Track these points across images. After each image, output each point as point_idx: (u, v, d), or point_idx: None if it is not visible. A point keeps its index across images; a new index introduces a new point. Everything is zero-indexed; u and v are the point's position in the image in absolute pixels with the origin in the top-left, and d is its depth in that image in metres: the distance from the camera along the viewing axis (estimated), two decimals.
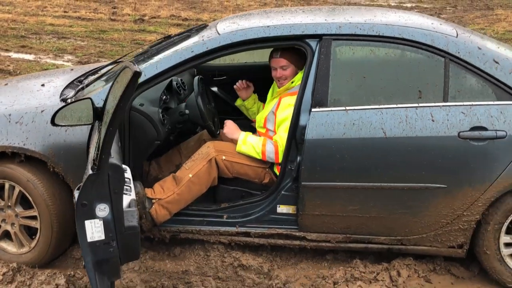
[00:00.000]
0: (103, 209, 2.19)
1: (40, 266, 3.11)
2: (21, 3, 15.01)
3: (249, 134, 3.26)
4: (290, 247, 3.20)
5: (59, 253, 3.22)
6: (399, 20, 3.12)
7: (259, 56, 4.14)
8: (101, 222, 2.20)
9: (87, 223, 2.18)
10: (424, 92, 2.94)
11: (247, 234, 3.16)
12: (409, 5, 17.09)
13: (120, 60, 3.84)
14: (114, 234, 2.25)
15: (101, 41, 10.27)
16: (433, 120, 2.86)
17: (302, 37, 3.02)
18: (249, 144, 3.19)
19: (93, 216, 2.18)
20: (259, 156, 3.17)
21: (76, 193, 2.22)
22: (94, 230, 2.19)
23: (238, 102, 3.85)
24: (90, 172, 2.14)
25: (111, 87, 2.71)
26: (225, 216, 3.19)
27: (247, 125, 3.91)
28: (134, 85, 2.04)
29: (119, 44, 9.98)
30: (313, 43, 3.00)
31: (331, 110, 2.92)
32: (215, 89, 4.35)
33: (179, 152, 3.63)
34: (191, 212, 3.19)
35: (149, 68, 3.02)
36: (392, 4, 17.20)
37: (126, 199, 2.40)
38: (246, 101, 3.76)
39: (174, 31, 11.09)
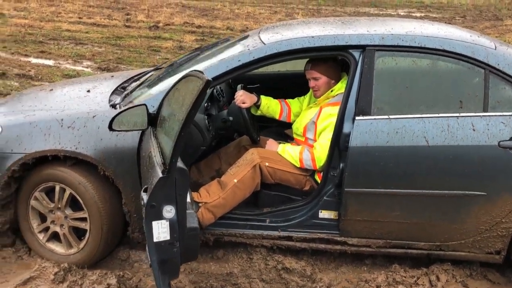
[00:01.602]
0: (169, 211, 2.29)
1: (88, 267, 3.19)
2: (35, 9, 15.18)
3: (287, 144, 3.39)
4: (331, 251, 3.29)
5: (106, 254, 3.31)
6: (439, 32, 3.22)
7: (291, 65, 4.25)
8: (167, 223, 2.29)
9: (155, 224, 2.28)
10: (465, 102, 3.03)
11: (289, 238, 3.25)
12: (418, 14, 17.24)
13: (160, 67, 3.94)
14: (178, 235, 2.34)
15: (118, 48, 10.40)
16: (474, 130, 2.95)
17: (345, 48, 3.12)
18: (287, 153, 3.31)
19: (160, 217, 2.28)
20: (297, 164, 3.28)
21: (143, 195, 2.32)
22: (160, 231, 2.29)
23: (257, 112, 3.74)
24: (160, 175, 2.23)
25: (166, 94, 2.82)
26: (267, 221, 3.28)
27: (281, 132, 4.02)
28: (205, 93, 2.14)
29: (136, 50, 10.10)
30: (356, 53, 3.10)
31: (375, 119, 3.02)
32: None
33: (218, 157, 3.73)
34: (234, 216, 3.28)
35: None
36: (401, 13, 17.34)
37: None
38: (260, 108, 3.69)
39: (188, 38, 11.27)
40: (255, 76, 4.41)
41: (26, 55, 9.43)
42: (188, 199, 2.65)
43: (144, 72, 3.99)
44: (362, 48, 3.10)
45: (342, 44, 3.12)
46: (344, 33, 3.17)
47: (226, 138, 3.87)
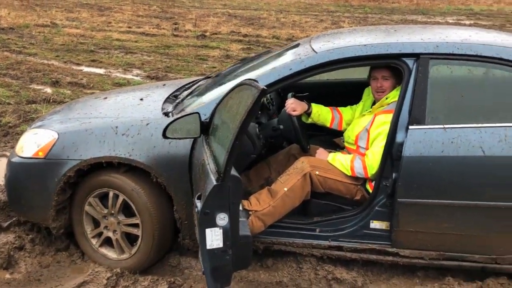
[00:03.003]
0: (223, 218, 2.30)
1: (139, 272, 3.24)
2: (86, 19, 15.62)
3: (338, 153, 3.36)
4: (382, 262, 3.24)
5: (157, 260, 3.36)
6: (496, 40, 3.14)
7: (340, 73, 4.22)
8: (221, 230, 2.31)
9: (208, 231, 2.30)
10: None
11: (339, 248, 3.22)
12: (467, 22, 16.90)
13: (209, 76, 3.98)
14: (231, 243, 2.35)
15: (167, 56, 10.57)
16: None
17: (399, 56, 3.08)
18: (338, 162, 3.29)
19: (213, 224, 2.29)
20: (348, 172, 3.25)
21: (197, 202, 2.34)
22: (213, 238, 2.30)
23: (308, 120, 3.72)
24: (215, 182, 2.25)
25: (219, 102, 2.84)
26: (317, 230, 3.26)
27: (330, 141, 4.00)
28: (260, 102, 2.15)
29: (184, 59, 10.25)
30: (410, 61, 3.06)
31: (429, 128, 2.96)
32: None
33: (268, 165, 3.73)
34: (284, 225, 3.27)
35: None
36: (450, 21, 17.04)
37: None
38: (311, 116, 3.66)
39: (235, 47, 11.35)
40: (304, 84, 4.39)
41: (78, 64, 9.70)
42: (240, 207, 2.66)
43: (194, 80, 4.04)
44: (416, 56, 3.05)
45: (396, 52, 3.08)
46: (398, 41, 3.14)
47: (276, 147, 3.87)
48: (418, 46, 3.07)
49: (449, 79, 3.12)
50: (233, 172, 2.35)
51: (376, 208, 3.15)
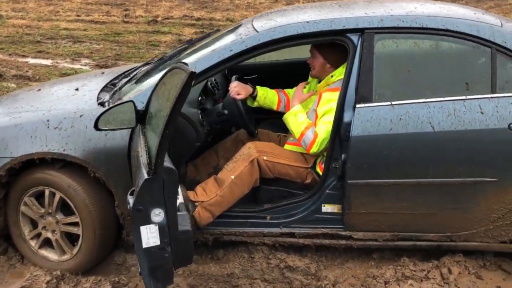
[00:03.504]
0: (158, 214, 2.14)
1: (82, 273, 3.06)
2: (33, 9, 15.05)
3: (304, 112, 3.17)
4: (336, 247, 3.14)
5: (101, 259, 3.18)
6: (441, 11, 3.04)
7: (289, 53, 4.08)
8: (156, 227, 2.15)
9: (143, 228, 2.13)
10: (471, 84, 2.85)
11: (291, 235, 3.10)
12: None
13: (150, 61, 3.79)
14: (169, 239, 2.19)
15: (117, 44, 10.25)
16: (482, 113, 2.78)
17: (343, 32, 2.94)
18: (297, 119, 3.10)
19: (148, 221, 2.13)
20: (296, 135, 3.10)
21: (130, 198, 2.17)
22: (149, 236, 2.14)
23: (254, 104, 3.53)
24: (146, 176, 2.08)
25: (154, 89, 2.66)
26: (268, 217, 3.13)
27: (281, 124, 3.85)
28: (190, 86, 1.98)
29: (135, 46, 9.95)
30: (354, 37, 2.93)
31: (377, 106, 2.85)
32: None
33: (216, 153, 3.58)
34: (233, 214, 3.13)
35: None
36: None
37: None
38: (257, 99, 3.48)
39: (188, 31, 11.12)
40: (252, 66, 4.25)
41: (23, 56, 9.31)
42: (182, 200, 2.50)
43: (134, 67, 3.83)
44: (360, 31, 2.91)
45: (339, 28, 2.94)
46: (341, 17, 3.00)
47: (223, 133, 3.71)
48: (362, 20, 2.94)
49: (395, 54, 3.01)
50: (168, 163, 2.18)
51: (327, 191, 3.04)
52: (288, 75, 3.93)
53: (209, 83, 3.67)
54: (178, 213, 2.27)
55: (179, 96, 1.96)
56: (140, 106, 2.76)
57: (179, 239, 2.23)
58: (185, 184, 3.38)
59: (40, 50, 9.68)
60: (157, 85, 2.61)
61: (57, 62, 8.87)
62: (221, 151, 3.56)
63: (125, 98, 3.01)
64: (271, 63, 4.31)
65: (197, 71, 2.94)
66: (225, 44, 3.02)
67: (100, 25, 12.27)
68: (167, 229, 2.17)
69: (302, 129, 3.06)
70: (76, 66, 8.63)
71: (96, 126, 2.62)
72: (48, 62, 8.91)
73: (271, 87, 3.64)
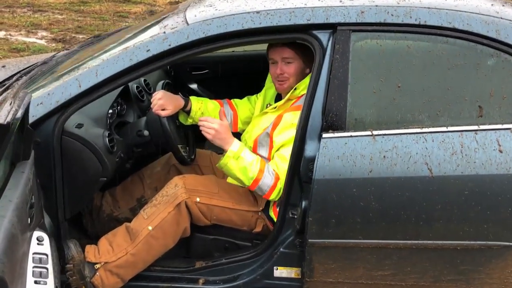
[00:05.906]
0: None
1: None
2: None
3: (245, 147, 2.32)
4: None
5: None
6: (447, 2, 2.18)
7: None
8: None
9: None
10: (487, 108, 2.06)
11: None
12: None
13: (46, 62, 2.86)
14: None
15: (81, 14, 9.56)
16: (500, 151, 2.00)
17: (307, 28, 2.10)
18: (241, 162, 2.24)
19: None
20: (247, 182, 2.24)
21: None
22: None
23: (188, 121, 2.62)
24: None
25: None
26: (201, 281, 2.33)
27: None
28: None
29: (101, 17, 9.29)
30: (323, 36, 2.09)
31: (352, 136, 2.03)
32: (194, 86, 3.52)
33: (141, 180, 2.70)
34: (153, 275, 2.34)
35: (86, 76, 2.11)
36: None
37: None
38: (191, 115, 2.58)
39: (162, 1, 10.69)
40: (203, 59, 3.35)
41: None
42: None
43: (33, 64, 2.92)
44: (331, 27, 2.09)
45: (302, 22, 2.09)
46: (306, 6, 2.13)
47: (148, 157, 2.82)
48: (334, 12, 2.09)
49: (380, 61, 2.13)
50: None
51: (281, 249, 2.25)
52: (248, 71, 3.18)
53: (135, 86, 2.79)
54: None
55: None
56: None
57: None
58: (99, 221, 2.57)
59: None
60: None
61: (10, 35, 8.12)
62: (147, 178, 2.69)
63: None
64: (227, 55, 3.42)
65: (100, 79, 2.12)
66: (142, 42, 2.15)
67: None
68: None
69: (254, 174, 2.21)
70: (31, 39, 7.89)
71: None
72: (0, 34, 8.13)
73: (227, 85, 2.88)
